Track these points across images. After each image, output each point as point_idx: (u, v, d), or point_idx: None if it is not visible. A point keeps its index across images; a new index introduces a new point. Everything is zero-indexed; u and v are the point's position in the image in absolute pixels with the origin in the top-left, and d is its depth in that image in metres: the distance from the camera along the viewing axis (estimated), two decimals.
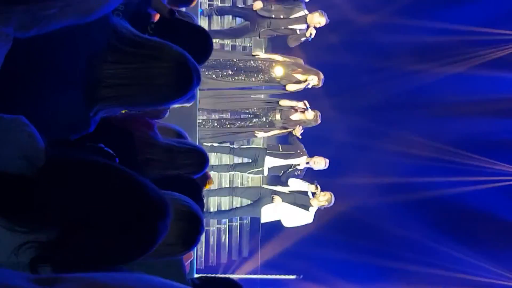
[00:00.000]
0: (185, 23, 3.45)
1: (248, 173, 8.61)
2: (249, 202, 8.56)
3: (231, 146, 8.73)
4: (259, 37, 8.62)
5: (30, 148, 1.43)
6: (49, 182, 1.39)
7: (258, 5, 8.03)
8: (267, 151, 8.35)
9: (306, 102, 8.04)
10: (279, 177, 8.54)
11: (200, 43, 3.28)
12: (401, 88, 9.84)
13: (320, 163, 8.21)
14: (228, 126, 8.17)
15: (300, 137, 8.31)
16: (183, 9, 4.45)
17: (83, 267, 1.41)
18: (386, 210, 9.78)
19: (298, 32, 8.17)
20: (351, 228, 9.67)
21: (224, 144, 8.68)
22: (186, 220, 2.09)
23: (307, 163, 8.28)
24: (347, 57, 9.77)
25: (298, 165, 8.29)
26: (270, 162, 8.32)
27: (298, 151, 8.28)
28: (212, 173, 8.30)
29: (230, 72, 7.94)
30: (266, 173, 8.47)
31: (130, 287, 1.01)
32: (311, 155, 8.32)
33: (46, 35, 1.47)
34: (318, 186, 8.13)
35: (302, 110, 8.06)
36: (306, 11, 8.08)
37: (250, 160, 8.52)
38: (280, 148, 8.34)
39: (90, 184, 1.43)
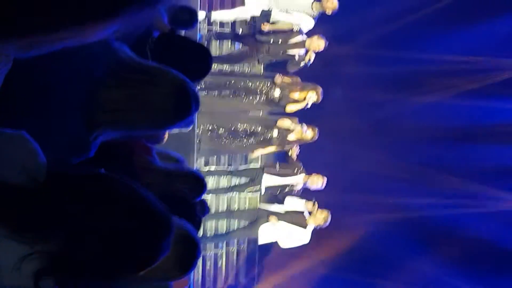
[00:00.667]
0: (185, 38, 3.47)
1: (247, 191, 8.57)
2: (246, 223, 8.53)
3: (228, 169, 8.74)
4: (258, 62, 8.66)
5: (31, 163, 1.42)
6: (51, 195, 1.38)
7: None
8: (265, 170, 8.31)
9: (304, 124, 8.02)
10: (276, 196, 8.52)
11: (200, 57, 3.31)
12: (398, 114, 9.94)
13: (317, 182, 8.17)
14: (226, 142, 8.06)
15: (295, 158, 8.29)
16: (183, 32, 4.48)
17: (84, 280, 1.44)
18: (384, 232, 9.81)
19: (297, 57, 8.20)
20: (351, 252, 9.67)
21: (221, 168, 8.70)
22: (183, 244, 2.06)
23: (305, 183, 8.24)
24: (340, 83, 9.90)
25: (296, 185, 8.26)
26: (267, 181, 8.28)
27: (296, 169, 8.24)
28: (209, 196, 8.32)
29: (228, 93, 7.99)
30: (263, 191, 8.43)
31: None
32: (309, 172, 8.29)
33: (47, 56, 1.47)
34: (316, 204, 8.07)
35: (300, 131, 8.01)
36: (305, 36, 8.11)
37: (248, 180, 8.47)
38: (278, 167, 8.29)
39: (93, 197, 1.43)
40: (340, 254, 9.60)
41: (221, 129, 8.09)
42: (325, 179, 8.23)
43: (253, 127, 8.12)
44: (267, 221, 8.16)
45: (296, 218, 8.12)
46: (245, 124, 8.12)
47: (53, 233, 1.37)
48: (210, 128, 8.02)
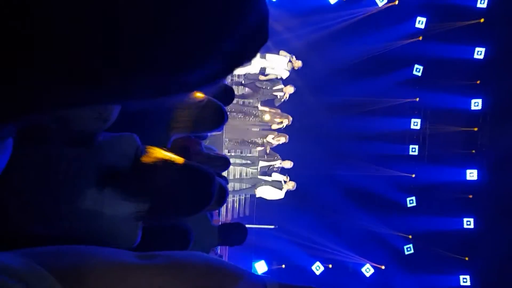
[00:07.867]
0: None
1: (251, 168, 14.41)
2: (249, 185, 14.39)
3: (241, 155, 14.92)
4: (257, 99, 14.73)
5: (132, 150, 1.94)
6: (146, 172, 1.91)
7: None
8: (259, 157, 14.37)
9: (282, 134, 14.02)
10: (266, 171, 14.19)
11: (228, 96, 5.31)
12: None
13: (289, 164, 14.03)
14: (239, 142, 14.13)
15: (271, 152, 14.41)
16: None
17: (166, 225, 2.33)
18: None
19: (278, 97, 14.32)
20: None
21: (237, 155, 14.89)
22: (220, 190, 3.46)
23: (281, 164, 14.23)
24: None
25: (277, 165, 14.11)
26: (261, 163, 14.24)
27: (276, 157, 14.27)
28: (231, 168, 14.11)
29: (240, 116, 14.04)
30: (259, 168, 14.29)
31: (197, 263, 1.28)
32: (283, 159, 14.25)
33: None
34: (288, 177, 13.77)
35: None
36: (282, 85, 14.27)
37: (251, 162, 14.54)
38: (266, 156, 14.21)
39: (171, 175, 1.94)
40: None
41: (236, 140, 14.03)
42: (292, 163, 14.05)
43: (254, 140, 14.03)
44: (262, 185, 13.84)
45: (277, 184, 13.50)
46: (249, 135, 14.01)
47: (147, 198, 1.84)
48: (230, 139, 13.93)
